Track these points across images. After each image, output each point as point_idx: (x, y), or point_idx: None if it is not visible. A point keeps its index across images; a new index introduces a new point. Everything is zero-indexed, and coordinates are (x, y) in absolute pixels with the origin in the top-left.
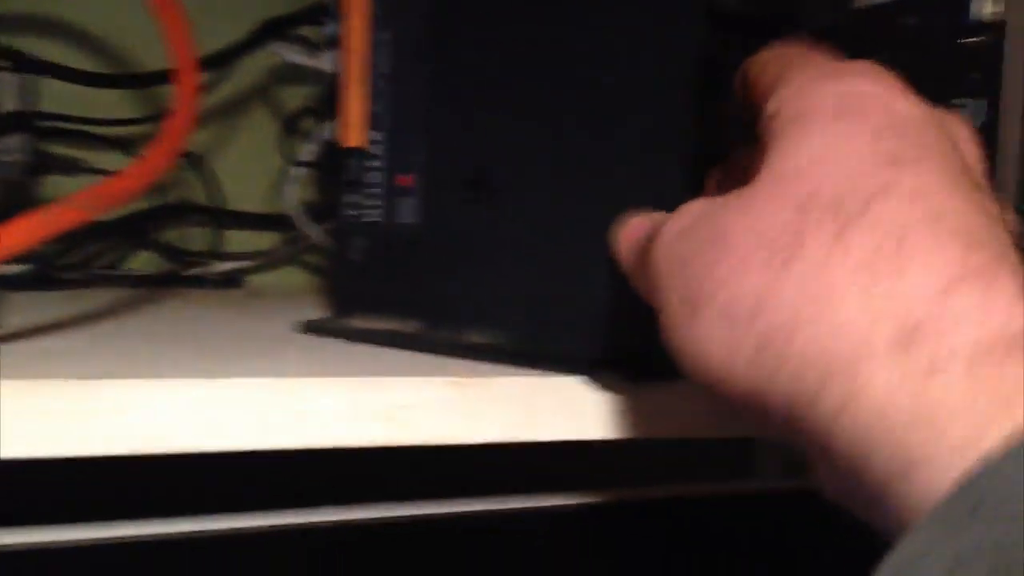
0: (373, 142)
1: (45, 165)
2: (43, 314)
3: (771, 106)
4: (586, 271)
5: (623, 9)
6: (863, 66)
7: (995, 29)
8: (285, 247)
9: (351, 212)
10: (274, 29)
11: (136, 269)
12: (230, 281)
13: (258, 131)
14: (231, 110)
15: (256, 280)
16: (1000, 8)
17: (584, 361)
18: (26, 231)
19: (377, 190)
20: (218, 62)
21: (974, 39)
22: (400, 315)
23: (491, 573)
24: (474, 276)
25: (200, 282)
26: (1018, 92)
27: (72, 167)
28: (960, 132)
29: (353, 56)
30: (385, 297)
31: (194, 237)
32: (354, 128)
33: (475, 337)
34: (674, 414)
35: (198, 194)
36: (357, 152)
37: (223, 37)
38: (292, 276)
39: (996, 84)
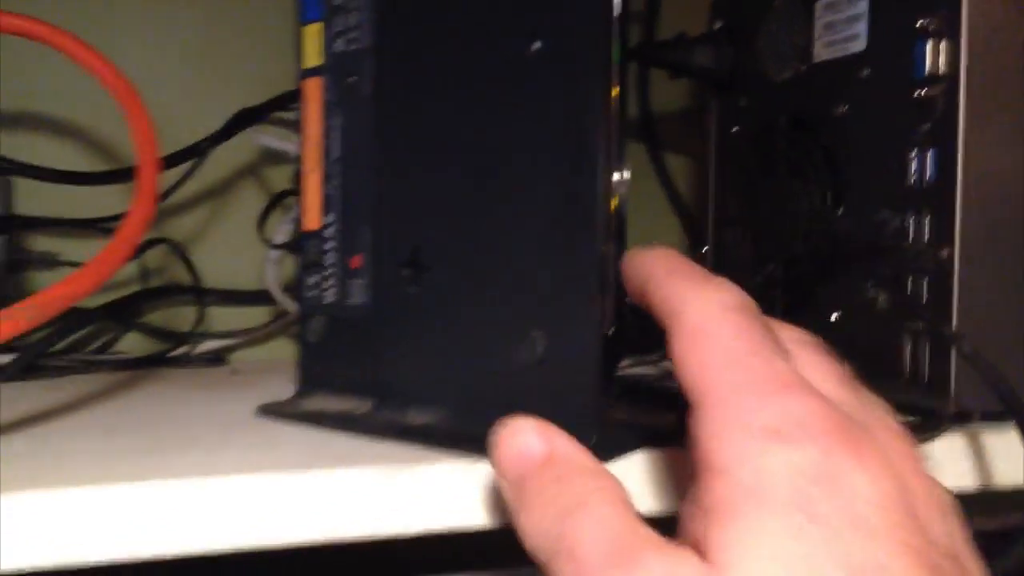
0: (327, 224)
1: (23, 261)
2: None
3: (692, 395)
4: (508, 351)
5: (547, 103)
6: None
7: (946, 82)
8: (273, 322)
9: (310, 293)
10: (248, 118)
11: (123, 352)
12: (215, 359)
13: (247, 211)
14: (218, 193)
15: (246, 355)
16: (951, 62)
17: None
18: None
19: (331, 271)
20: (196, 153)
21: (926, 91)
22: (354, 394)
23: None
24: (415, 355)
25: (185, 361)
26: (972, 143)
27: (52, 261)
28: (904, 458)
29: (309, 141)
30: (341, 377)
31: (182, 317)
32: (311, 211)
33: (417, 417)
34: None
35: (185, 276)
36: (314, 234)
37: (204, 125)
38: (283, 349)
39: (946, 136)
